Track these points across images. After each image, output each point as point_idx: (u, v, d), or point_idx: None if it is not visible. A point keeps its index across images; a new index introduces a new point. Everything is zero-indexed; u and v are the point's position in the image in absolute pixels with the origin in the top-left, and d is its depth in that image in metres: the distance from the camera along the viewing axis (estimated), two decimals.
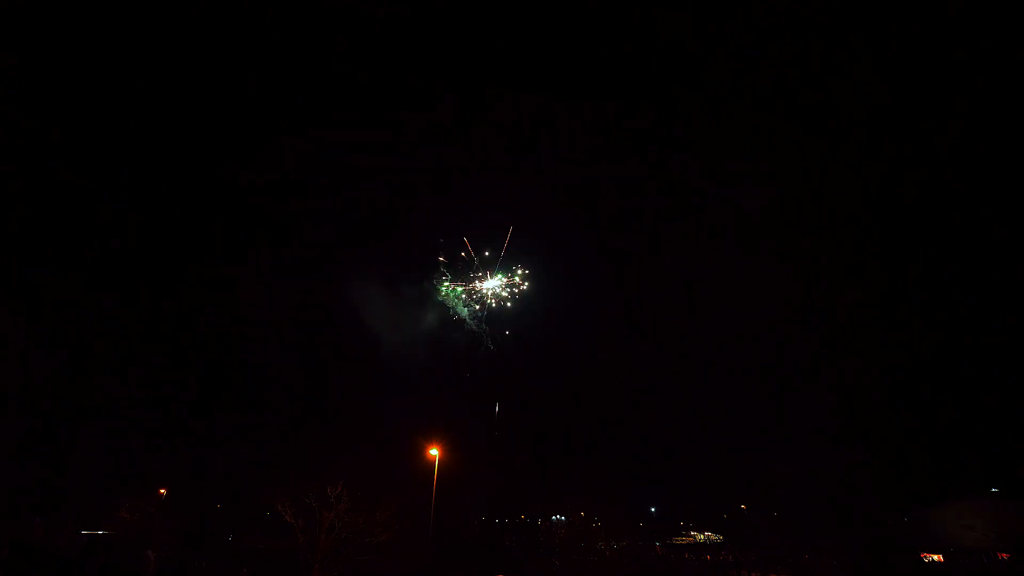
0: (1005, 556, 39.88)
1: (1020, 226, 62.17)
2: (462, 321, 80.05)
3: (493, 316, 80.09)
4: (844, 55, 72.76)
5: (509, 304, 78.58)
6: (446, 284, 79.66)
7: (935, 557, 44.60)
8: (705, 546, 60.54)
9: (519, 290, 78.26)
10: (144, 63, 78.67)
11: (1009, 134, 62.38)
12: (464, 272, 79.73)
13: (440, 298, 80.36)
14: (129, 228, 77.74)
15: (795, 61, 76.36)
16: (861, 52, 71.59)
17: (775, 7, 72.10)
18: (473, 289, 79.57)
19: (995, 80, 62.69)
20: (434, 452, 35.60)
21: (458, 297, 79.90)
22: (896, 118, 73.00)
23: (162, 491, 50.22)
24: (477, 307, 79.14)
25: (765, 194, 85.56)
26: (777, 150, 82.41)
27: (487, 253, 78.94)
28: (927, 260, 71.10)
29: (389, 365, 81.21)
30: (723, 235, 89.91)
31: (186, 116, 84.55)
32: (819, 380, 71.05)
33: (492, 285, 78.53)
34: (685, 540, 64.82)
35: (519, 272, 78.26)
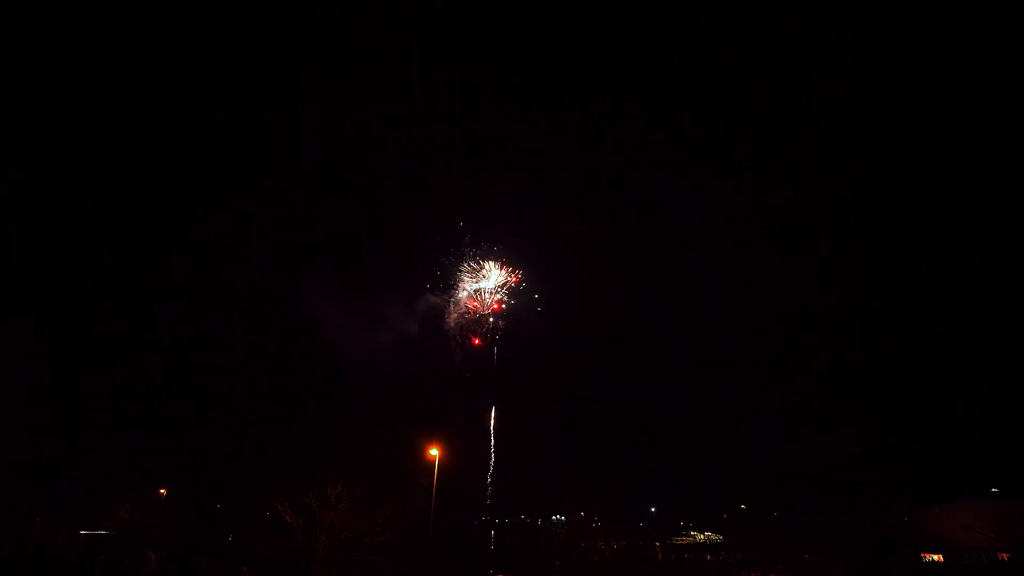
0: (1005, 556, 39.80)
1: (1019, 228, 62.16)
2: (461, 322, 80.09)
3: (493, 315, 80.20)
4: (846, 56, 72.76)
5: (508, 303, 78.43)
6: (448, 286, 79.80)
7: (935, 557, 44.52)
8: (705, 546, 60.46)
9: (509, 289, 78.18)
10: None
11: (1009, 135, 62.35)
12: (465, 274, 79.86)
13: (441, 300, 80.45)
14: (128, 230, 77.87)
15: (797, 62, 76.32)
16: (862, 53, 71.56)
17: (778, 10, 72.09)
18: (474, 291, 79.69)
19: (995, 81, 62.66)
20: (434, 452, 35.53)
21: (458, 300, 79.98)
22: (896, 119, 72.96)
23: (162, 491, 50.16)
24: (478, 306, 79.17)
25: (768, 195, 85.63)
26: (785, 150, 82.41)
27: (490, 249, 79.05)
28: (928, 261, 71.08)
29: (389, 366, 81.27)
30: (725, 237, 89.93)
31: (167, 111, 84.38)
32: (819, 381, 71.09)
33: (490, 286, 78.54)
34: (685, 540, 64.72)
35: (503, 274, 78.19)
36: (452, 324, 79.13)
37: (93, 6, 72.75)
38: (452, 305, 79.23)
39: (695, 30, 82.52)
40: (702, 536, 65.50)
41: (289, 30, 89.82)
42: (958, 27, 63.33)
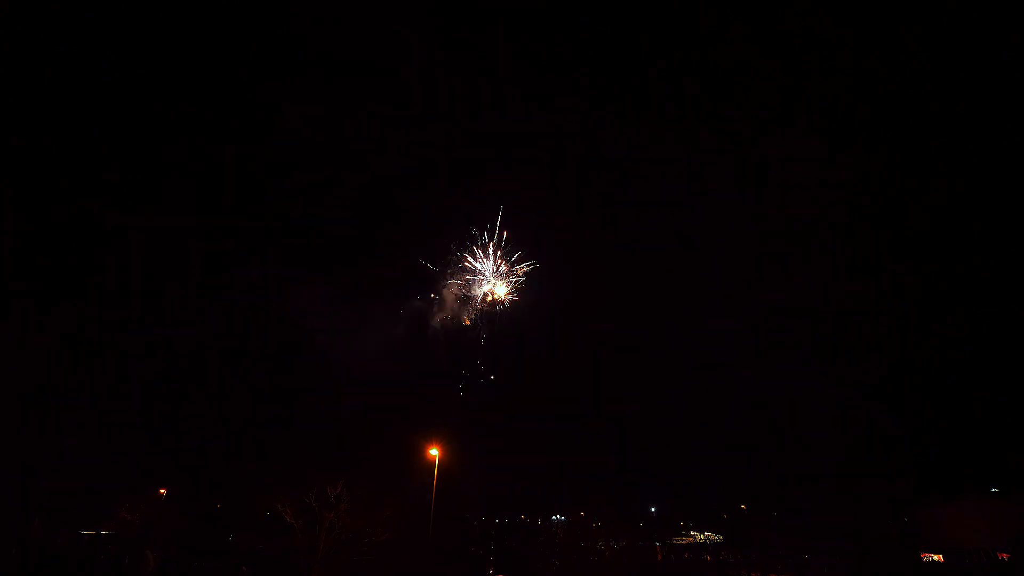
0: (1005, 556, 39.84)
1: (1020, 228, 62.17)
2: (461, 321, 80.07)
3: (492, 312, 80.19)
4: (846, 56, 72.75)
5: (512, 300, 77.99)
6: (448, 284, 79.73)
7: (935, 557, 44.53)
8: (705, 546, 60.49)
9: (517, 283, 77.62)
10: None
11: (1009, 135, 62.34)
12: (463, 271, 79.76)
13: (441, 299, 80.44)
14: (127, 231, 77.86)
15: (797, 62, 76.32)
16: (862, 53, 71.55)
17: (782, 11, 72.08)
18: (472, 288, 79.60)
19: (995, 81, 62.66)
20: (434, 452, 35.52)
21: (457, 297, 79.92)
22: (896, 119, 72.95)
23: (162, 491, 50.09)
24: (476, 302, 79.07)
25: (767, 194, 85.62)
26: (785, 150, 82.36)
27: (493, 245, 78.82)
28: (928, 261, 71.11)
29: (389, 366, 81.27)
30: (725, 236, 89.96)
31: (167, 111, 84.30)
32: (819, 381, 71.17)
33: (489, 283, 78.28)
34: (685, 540, 64.76)
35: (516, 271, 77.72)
36: (443, 318, 79.14)
37: (93, 6, 72.73)
38: (439, 303, 79.26)
39: (695, 30, 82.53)
40: (702, 536, 65.53)
41: (289, 30, 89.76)
42: (958, 27, 63.34)
